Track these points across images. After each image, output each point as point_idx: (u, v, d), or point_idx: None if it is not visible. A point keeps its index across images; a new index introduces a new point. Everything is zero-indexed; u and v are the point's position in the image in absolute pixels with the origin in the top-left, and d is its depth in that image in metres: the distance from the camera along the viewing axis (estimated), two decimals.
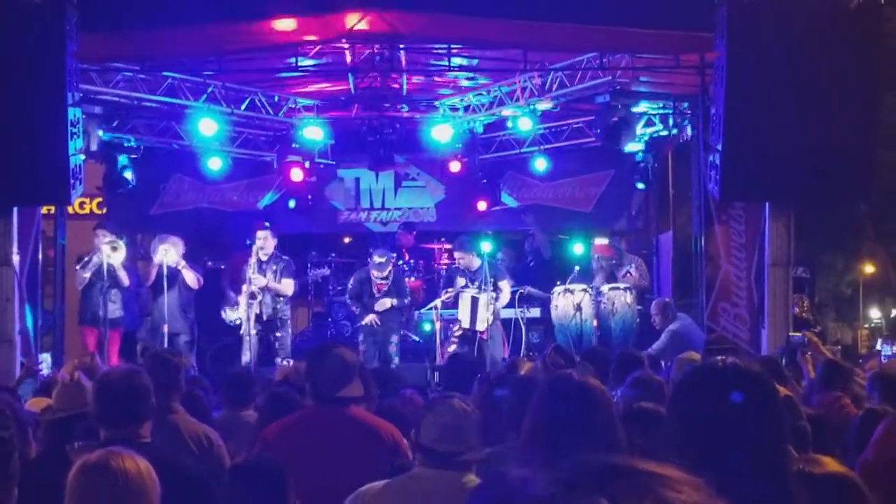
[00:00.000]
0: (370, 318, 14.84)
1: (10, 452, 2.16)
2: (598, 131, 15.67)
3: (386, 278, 14.99)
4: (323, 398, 5.82)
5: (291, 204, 17.94)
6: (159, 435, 5.48)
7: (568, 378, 3.85)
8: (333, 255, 18.23)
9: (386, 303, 14.85)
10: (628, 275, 15.68)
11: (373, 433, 5.76)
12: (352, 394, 5.82)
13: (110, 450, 3.51)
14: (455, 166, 17.68)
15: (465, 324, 14.36)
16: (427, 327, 16.47)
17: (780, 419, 3.12)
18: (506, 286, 14.72)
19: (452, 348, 14.12)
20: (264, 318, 14.52)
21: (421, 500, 4.53)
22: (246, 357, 14.26)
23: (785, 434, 3.14)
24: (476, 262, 14.50)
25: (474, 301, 14.32)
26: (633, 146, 15.93)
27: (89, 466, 3.41)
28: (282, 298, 14.77)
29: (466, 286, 14.53)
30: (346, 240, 20.34)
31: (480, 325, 14.30)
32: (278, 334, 14.68)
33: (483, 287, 14.30)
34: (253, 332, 14.41)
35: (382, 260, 15.01)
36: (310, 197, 18.29)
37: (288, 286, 14.77)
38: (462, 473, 4.58)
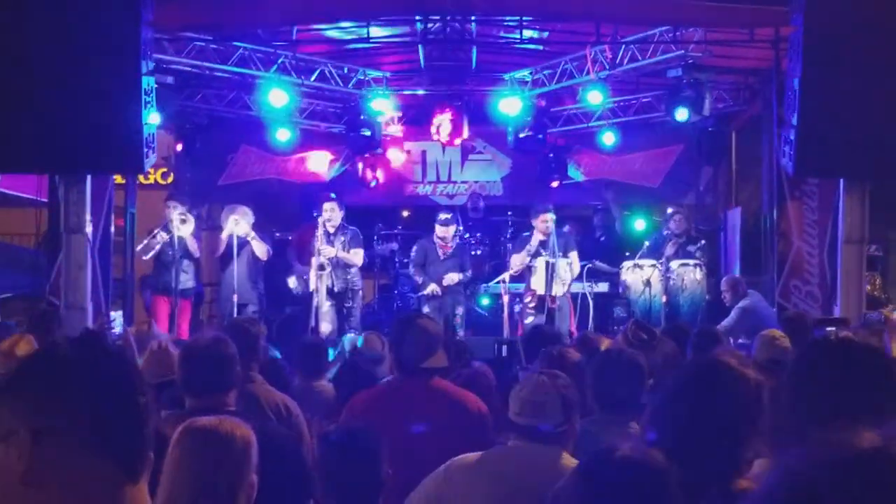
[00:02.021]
0: (432, 288, 14.83)
1: (146, 419, 2.14)
2: (668, 105, 15.52)
3: (451, 241, 14.99)
4: (407, 370, 5.82)
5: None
6: (239, 403, 5.49)
7: (724, 365, 3.69)
8: (400, 227, 18.20)
9: (454, 277, 14.82)
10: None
11: (459, 405, 5.75)
12: (436, 364, 5.82)
13: (221, 417, 3.52)
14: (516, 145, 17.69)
15: (541, 290, 14.15)
16: (488, 301, 16.43)
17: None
18: (575, 258, 14.62)
19: (530, 320, 13.99)
20: (335, 289, 14.45)
21: (514, 473, 4.52)
22: (324, 328, 14.20)
23: None
24: (551, 228, 14.33)
25: (550, 266, 14.18)
26: (702, 121, 15.74)
27: (197, 430, 3.41)
28: (352, 269, 14.71)
29: (540, 252, 14.33)
30: (409, 213, 20.32)
31: (557, 290, 14.19)
32: (348, 305, 14.66)
33: (555, 255, 14.20)
34: (327, 303, 14.39)
35: (448, 216, 15.08)
36: (378, 169, 18.32)
37: (357, 256, 14.74)
38: (559, 449, 4.56)
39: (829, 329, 3.31)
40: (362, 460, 4.40)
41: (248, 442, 3.43)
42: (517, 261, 14.57)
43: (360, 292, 15.05)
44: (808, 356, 3.49)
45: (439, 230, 15.00)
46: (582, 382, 5.48)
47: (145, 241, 14.25)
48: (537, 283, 14.27)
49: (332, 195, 15.03)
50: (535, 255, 14.38)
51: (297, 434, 6.02)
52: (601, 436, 5.02)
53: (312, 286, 14.45)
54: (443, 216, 15.11)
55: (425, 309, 14.60)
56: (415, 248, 15.36)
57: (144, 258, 14.43)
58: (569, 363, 6.27)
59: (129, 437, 2.09)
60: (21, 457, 1.98)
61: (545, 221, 14.36)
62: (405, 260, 16.95)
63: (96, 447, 2.04)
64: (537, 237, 14.39)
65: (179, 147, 17.63)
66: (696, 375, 3.68)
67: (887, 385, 3.12)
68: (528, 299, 14.45)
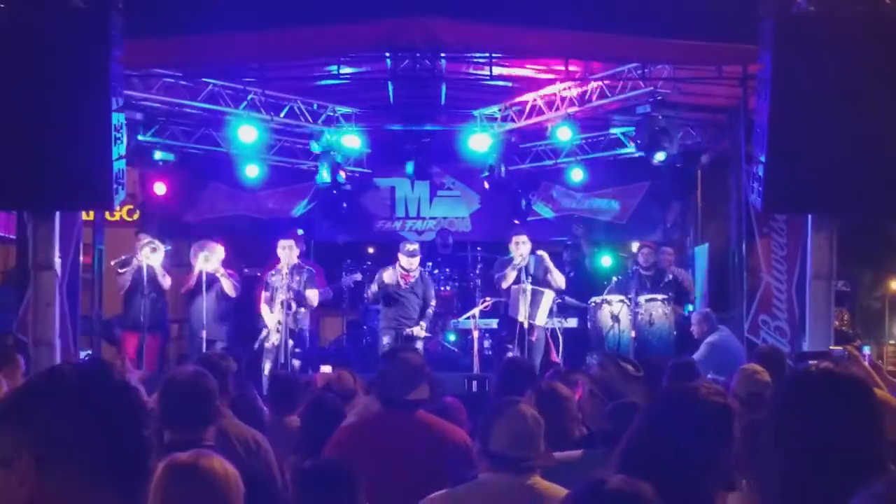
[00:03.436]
0: (389, 274, 14.71)
1: (149, 452, 2.14)
2: (638, 142, 15.62)
3: (414, 272, 14.87)
4: (392, 402, 5.85)
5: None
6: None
7: (691, 390, 3.73)
8: (368, 262, 18.19)
9: (420, 331, 14.75)
10: (674, 281, 15.59)
11: (444, 438, 5.81)
12: (420, 396, 5.87)
13: (199, 451, 3.52)
14: (487, 184, 17.70)
15: (522, 317, 14.05)
16: (458, 337, 16.45)
17: (878, 424, 3.12)
18: (557, 274, 14.64)
19: (510, 355, 13.92)
20: (290, 327, 14.29)
21: None
22: (268, 366, 14.11)
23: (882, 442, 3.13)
24: (525, 251, 14.31)
25: (536, 294, 14.17)
26: (670, 157, 15.82)
27: (178, 466, 3.42)
28: (302, 309, 14.58)
29: (520, 280, 14.25)
30: (376, 249, 20.31)
31: (540, 320, 14.20)
32: (297, 349, 14.55)
33: (537, 283, 14.19)
34: (274, 340, 14.21)
35: (415, 247, 14.96)
36: (344, 205, 18.34)
37: (313, 297, 14.61)
38: (527, 476, 4.61)
39: (811, 362, 3.36)
40: (339, 494, 4.40)
41: (230, 476, 3.44)
42: (501, 280, 14.60)
43: (307, 333, 14.94)
44: (792, 388, 3.53)
45: (404, 261, 14.80)
46: (569, 416, 5.54)
47: (123, 257, 14.31)
48: (520, 310, 14.15)
49: (300, 231, 14.97)
50: (516, 281, 14.34)
51: (266, 466, 6.03)
52: None
53: (272, 325, 14.26)
54: (409, 247, 14.92)
55: (385, 340, 14.51)
56: (374, 282, 15.04)
57: (120, 271, 14.38)
58: (560, 397, 6.28)
59: (133, 468, 2.10)
60: (23, 483, 1.98)
61: (518, 244, 14.39)
62: None
63: (101, 476, 2.04)
64: (518, 261, 14.33)
65: (146, 183, 17.59)
66: (663, 402, 3.73)
67: (872, 414, 3.16)
68: (505, 333, 14.43)
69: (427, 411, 6.83)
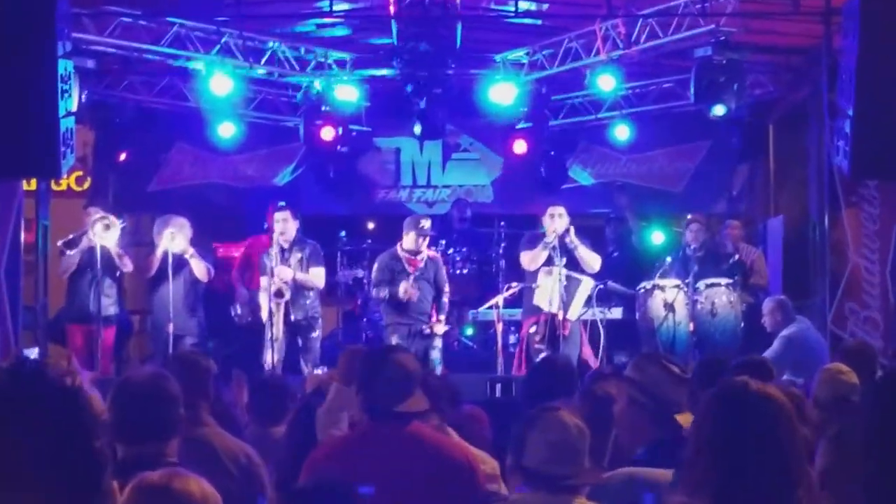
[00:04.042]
0: (405, 287, 14.42)
1: (102, 467, 2.11)
2: (697, 92, 15.48)
3: (422, 255, 14.75)
4: (379, 414, 5.79)
5: None
6: (190, 452, 5.46)
7: (742, 387, 3.75)
8: (368, 241, 18.12)
9: (441, 328, 14.74)
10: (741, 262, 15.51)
11: (442, 455, 5.71)
12: (414, 408, 5.78)
13: (173, 470, 3.51)
14: (520, 146, 17.52)
15: (554, 308, 13.97)
16: (477, 331, 16.43)
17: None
18: (593, 261, 14.56)
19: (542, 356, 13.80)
20: (292, 318, 14.34)
21: None
22: (267, 364, 14.13)
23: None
24: (561, 227, 14.21)
25: (572, 282, 14.10)
26: (735, 111, 15.71)
27: (148, 488, 3.40)
28: (311, 292, 14.59)
29: (553, 261, 14.15)
30: (378, 224, 20.28)
31: (573, 314, 14.16)
32: (313, 335, 14.54)
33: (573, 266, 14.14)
34: (280, 335, 14.25)
35: (428, 224, 14.83)
36: (331, 172, 18.24)
37: (318, 276, 14.62)
38: (573, 497, 4.58)
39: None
40: None
41: (209, 499, 3.42)
42: (528, 258, 14.45)
43: (320, 321, 14.92)
44: (888, 391, 3.51)
45: (412, 241, 14.64)
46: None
47: (71, 236, 14.24)
48: (551, 298, 14.07)
49: (282, 203, 14.89)
50: (547, 262, 14.29)
51: (258, 487, 6.00)
52: None
53: (266, 316, 14.28)
54: (424, 223, 14.73)
55: (393, 340, 14.41)
56: (376, 266, 14.83)
57: (68, 252, 14.27)
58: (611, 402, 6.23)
59: (82, 486, 2.07)
60: None
61: (553, 216, 14.33)
62: None
63: (43, 496, 2.01)
64: (551, 237, 14.21)
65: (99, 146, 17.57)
66: (713, 404, 3.74)
67: None
68: (532, 330, 14.29)
69: (442, 421, 6.81)
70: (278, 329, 14.13)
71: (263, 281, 14.39)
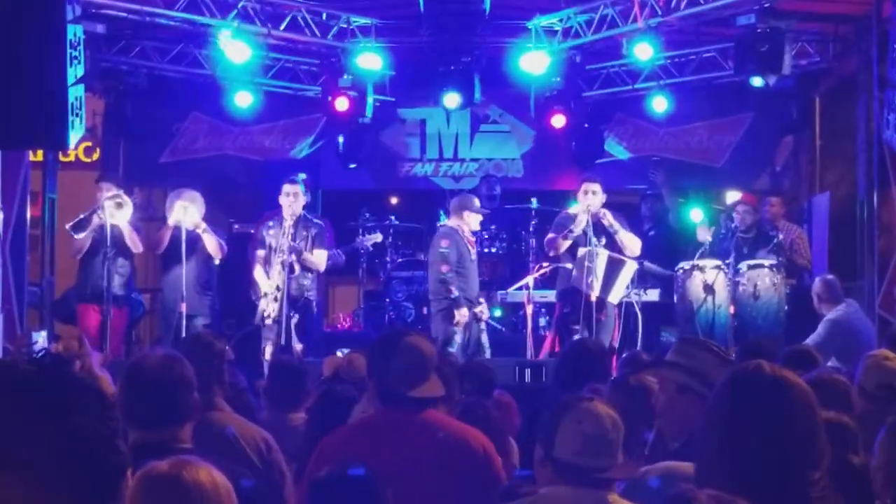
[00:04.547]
0: (462, 315, 14.31)
1: (117, 449, 2.13)
2: (739, 62, 15.44)
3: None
4: (391, 400, 5.79)
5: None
6: (205, 438, 5.47)
7: (755, 371, 3.77)
8: (391, 217, 18.12)
9: (485, 312, 14.76)
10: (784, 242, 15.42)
11: (458, 443, 5.72)
12: (429, 393, 5.78)
13: (182, 459, 3.50)
14: (559, 121, 17.45)
15: (594, 291, 13.90)
16: (506, 313, 16.43)
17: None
18: (634, 245, 14.53)
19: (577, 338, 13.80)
20: (292, 293, 14.18)
21: None
22: (268, 351, 14.06)
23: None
24: (597, 204, 14.24)
25: (615, 264, 14.07)
26: (780, 82, 15.65)
27: (156, 478, 3.40)
28: (310, 273, 14.52)
29: (589, 241, 14.08)
30: (402, 199, 20.28)
31: (615, 297, 14.15)
32: (309, 314, 14.49)
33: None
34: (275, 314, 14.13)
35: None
36: (352, 145, 18.17)
37: (320, 258, 14.53)
38: (606, 492, 4.57)
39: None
40: None
41: (220, 489, 3.42)
42: (551, 246, 14.50)
43: (314, 305, 14.86)
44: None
45: (476, 221, 14.80)
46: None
47: (81, 216, 14.13)
48: (581, 279, 14.06)
49: (302, 176, 14.84)
50: (579, 243, 14.26)
51: (278, 475, 6.02)
52: None
53: (267, 288, 14.18)
54: (477, 201, 14.95)
55: (458, 321, 14.37)
56: (445, 243, 14.63)
57: (77, 236, 14.22)
58: (646, 392, 6.22)
59: (98, 472, 2.08)
60: None
61: (588, 193, 14.30)
62: (399, 260, 16.91)
63: (62, 485, 2.03)
64: (583, 217, 14.19)
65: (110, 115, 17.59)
66: (727, 387, 3.80)
67: None
68: (567, 310, 14.28)
69: (471, 408, 6.81)
70: (285, 306, 13.99)
71: (260, 253, 14.36)
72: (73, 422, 2.08)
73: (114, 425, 2.14)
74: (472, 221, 14.72)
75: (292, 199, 14.29)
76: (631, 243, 14.52)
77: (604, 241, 14.07)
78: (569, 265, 14.29)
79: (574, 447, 4.62)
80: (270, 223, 14.35)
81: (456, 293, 14.27)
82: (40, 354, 2.36)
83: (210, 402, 6.09)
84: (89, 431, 2.09)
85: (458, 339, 14.26)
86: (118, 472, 2.12)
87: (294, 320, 14.18)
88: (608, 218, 14.41)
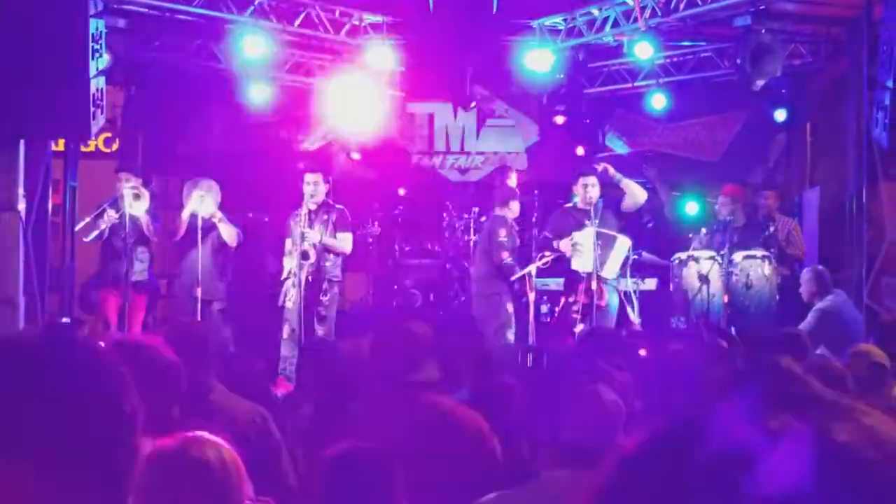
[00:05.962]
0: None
1: (134, 439, 2.08)
2: (735, 61, 15.44)
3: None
4: (390, 384, 5.79)
5: None
6: (200, 420, 5.48)
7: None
8: (400, 207, 18.13)
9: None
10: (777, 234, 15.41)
11: (454, 426, 5.69)
12: (426, 378, 5.78)
13: (190, 436, 3.50)
14: (562, 116, 17.47)
15: (587, 266, 13.96)
16: None
17: None
18: (639, 193, 14.53)
19: (579, 328, 13.80)
20: (310, 279, 14.19)
21: None
22: (286, 331, 14.10)
23: None
24: (594, 196, 14.28)
25: (607, 240, 14.07)
26: (773, 82, 15.65)
27: (164, 456, 3.40)
28: (332, 256, 14.51)
29: (584, 223, 14.16)
30: (409, 191, 20.26)
31: (609, 272, 14.15)
32: (330, 296, 14.47)
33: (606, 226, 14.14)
34: (297, 301, 14.15)
35: None
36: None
37: (345, 241, 14.58)
38: None
39: None
40: (373, 487, 4.37)
41: (228, 465, 3.42)
42: (540, 259, 14.54)
43: (338, 286, 14.84)
44: None
45: (516, 207, 15.01)
46: None
47: (87, 220, 14.13)
48: (583, 259, 14.11)
49: (314, 166, 14.87)
50: (577, 227, 14.28)
51: (273, 446, 6.00)
52: None
53: (286, 273, 14.24)
54: (517, 192, 15.17)
55: (509, 307, 14.56)
56: (503, 231, 14.84)
57: (85, 239, 14.27)
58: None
59: (114, 461, 2.04)
60: None
61: (586, 187, 14.34)
62: (407, 248, 16.92)
63: (75, 474, 1.99)
64: (566, 247, 14.28)
65: (129, 106, 17.59)
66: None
67: None
68: (571, 299, 14.28)
69: (476, 392, 6.81)
70: (300, 293, 14.03)
71: (288, 243, 14.43)
72: (80, 392, 2.03)
73: (118, 386, 2.06)
74: (516, 209, 14.94)
75: (313, 187, 14.37)
76: (637, 189, 14.63)
77: (597, 221, 14.06)
78: (567, 253, 14.32)
79: (578, 431, 4.61)
80: (295, 213, 14.39)
81: (521, 272, 14.49)
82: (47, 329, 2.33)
83: (205, 384, 6.06)
84: (98, 404, 2.02)
85: (513, 321, 14.46)
86: (130, 451, 2.07)
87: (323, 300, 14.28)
88: (610, 171, 14.56)
